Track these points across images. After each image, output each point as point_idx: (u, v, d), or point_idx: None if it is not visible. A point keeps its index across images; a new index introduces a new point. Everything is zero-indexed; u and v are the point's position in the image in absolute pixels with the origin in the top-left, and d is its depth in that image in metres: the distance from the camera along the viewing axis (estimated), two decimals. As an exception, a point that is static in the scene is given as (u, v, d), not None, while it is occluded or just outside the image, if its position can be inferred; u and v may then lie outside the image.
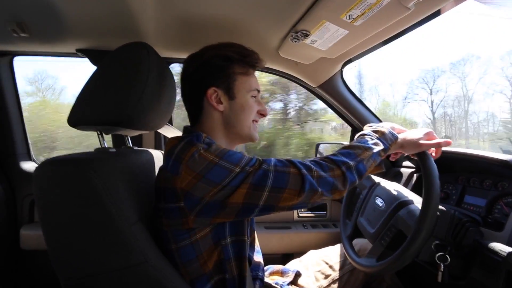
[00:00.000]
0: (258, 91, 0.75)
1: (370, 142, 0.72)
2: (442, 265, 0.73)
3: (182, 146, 0.61)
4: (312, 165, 0.64)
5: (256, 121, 0.76)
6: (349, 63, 1.19)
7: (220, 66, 0.69)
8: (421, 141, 0.78)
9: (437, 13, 0.79)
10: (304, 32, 0.86)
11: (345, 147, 0.71)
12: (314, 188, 0.61)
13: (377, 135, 0.75)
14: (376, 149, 0.71)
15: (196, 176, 0.57)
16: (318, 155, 1.50)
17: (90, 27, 0.97)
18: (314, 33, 0.86)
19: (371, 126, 0.80)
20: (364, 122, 1.37)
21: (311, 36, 0.87)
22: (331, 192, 0.64)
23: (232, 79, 0.70)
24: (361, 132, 0.79)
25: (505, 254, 0.63)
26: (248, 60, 0.71)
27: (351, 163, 0.66)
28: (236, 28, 0.93)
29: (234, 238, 0.66)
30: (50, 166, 0.54)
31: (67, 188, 0.53)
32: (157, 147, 1.35)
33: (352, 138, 1.49)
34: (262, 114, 0.77)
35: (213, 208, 0.58)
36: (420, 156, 0.78)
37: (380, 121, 1.37)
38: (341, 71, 1.25)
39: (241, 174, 0.58)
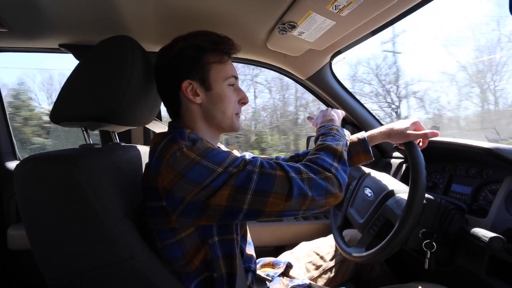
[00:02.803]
0: (236, 78, 0.72)
1: (337, 140, 0.71)
2: (429, 252, 0.75)
3: (165, 143, 0.59)
4: (301, 167, 0.61)
5: (238, 114, 0.73)
6: (338, 54, 1.19)
7: (193, 57, 0.66)
8: (408, 131, 0.79)
9: (422, 3, 0.80)
10: (291, 23, 0.85)
11: (321, 148, 0.68)
12: (304, 193, 0.57)
13: (335, 132, 0.75)
14: (344, 146, 0.71)
15: (176, 175, 0.55)
16: (309, 148, 1.51)
17: (73, 22, 0.94)
18: (301, 24, 0.85)
19: (324, 126, 0.78)
20: (353, 113, 1.37)
21: (298, 27, 0.87)
22: (325, 196, 0.60)
23: (206, 69, 0.67)
24: (321, 132, 0.76)
25: (488, 239, 0.65)
26: (222, 47, 0.68)
27: (336, 164, 0.64)
28: (222, 21, 0.91)
29: (222, 237, 0.64)
30: (31, 163, 0.53)
31: (49, 186, 0.52)
32: (146, 143, 1.33)
33: None
34: (243, 103, 0.74)
35: (195, 209, 0.56)
36: (407, 146, 0.79)
37: (369, 112, 1.38)
38: (330, 63, 1.25)
39: (223, 175, 0.56)
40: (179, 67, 0.67)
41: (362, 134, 0.87)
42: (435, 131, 0.79)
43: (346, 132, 0.79)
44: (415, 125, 0.81)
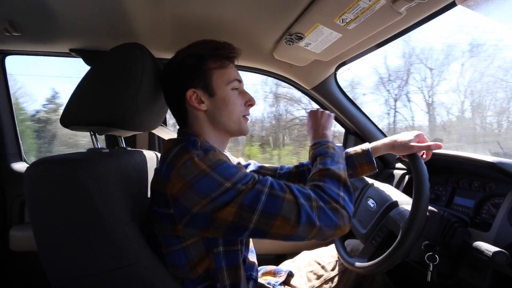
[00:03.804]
0: (239, 81, 0.72)
1: (336, 162, 0.69)
2: (431, 264, 0.74)
3: (177, 151, 0.60)
4: (312, 194, 0.59)
5: (246, 116, 0.74)
6: (342, 65, 1.20)
7: (194, 66, 0.68)
8: (412, 143, 0.80)
9: (428, 18, 0.81)
10: (298, 35, 0.87)
11: (324, 174, 0.65)
12: (312, 221, 0.56)
13: (332, 152, 0.72)
14: (345, 170, 0.68)
15: (185, 184, 0.55)
16: None
17: (84, 27, 0.96)
18: (308, 36, 0.87)
19: (319, 144, 0.75)
20: (357, 124, 1.38)
21: (305, 39, 0.88)
22: (333, 228, 0.58)
23: (208, 76, 0.68)
24: (317, 152, 0.73)
25: (491, 254, 0.65)
26: (221, 53, 0.69)
27: (342, 193, 0.62)
28: (230, 30, 0.93)
29: (227, 248, 0.64)
30: (41, 166, 0.54)
31: (58, 189, 0.53)
32: (151, 147, 1.34)
33: (345, 140, 1.51)
34: (250, 104, 0.74)
35: (202, 221, 0.56)
36: (410, 158, 0.79)
37: (373, 123, 1.39)
38: (335, 74, 1.27)
39: (231, 191, 0.55)
40: (181, 76, 0.68)
41: (366, 146, 0.88)
42: (438, 143, 0.80)
43: (340, 148, 0.77)
44: (419, 137, 0.82)
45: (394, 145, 0.84)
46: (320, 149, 0.73)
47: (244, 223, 0.55)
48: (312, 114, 0.86)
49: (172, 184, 0.56)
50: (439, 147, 0.79)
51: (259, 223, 0.55)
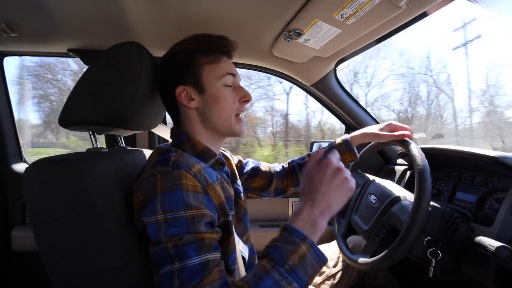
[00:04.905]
0: (233, 75, 0.67)
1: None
2: (433, 260, 0.74)
3: (152, 164, 0.59)
4: None
5: (239, 115, 0.69)
6: (342, 61, 1.20)
7: (184, 62, 0.64)
8: (381, 132, 0.86)
9: (427, 12, 0.80)
10: (297, 31, 0.86)
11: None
12: None
13: (294, 269, 0.50)
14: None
15: (141, 201, 0.54)
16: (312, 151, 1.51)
17: (82, 27, 0.96)
18: (307, 32, 0.86)
19: (290, 234, 0.54)
20: (357, 120, 1.38)
21: (304, 35, 0.88)
22: None
23: (198, 72, 0.64)
24: (275, 251, 0.52)
25: (494, 249, 0.64)
26: (213, 46, 0.65)
27: None
28: (229, 27, 0.93)
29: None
30: (40, 167, 0.54)
31: (57, 189, 0.53)
32: (151, 146, 1.34)
33: None
34: (245, 101, 0.68)
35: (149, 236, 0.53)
36: (402, 144, 0.83)
37: (373, 119, 1.38)
38: (335, 70, 1.26)
39: (156, 229, 0.50)
40: (172, 74, 0.66)
41: (345, 136, 0.92)
42: (407, 133, 0.83)
43: (315, 262, 0.54)
44: (389, 126, 0.87)
45: (368, 133, 0.89)
46: (280, 250, 0.51)
47: (154, 268, 0.51)
48: (324, 166, 0.57)
49: (136, 195, 0.57)
50: (408, 136, 0.82)
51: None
